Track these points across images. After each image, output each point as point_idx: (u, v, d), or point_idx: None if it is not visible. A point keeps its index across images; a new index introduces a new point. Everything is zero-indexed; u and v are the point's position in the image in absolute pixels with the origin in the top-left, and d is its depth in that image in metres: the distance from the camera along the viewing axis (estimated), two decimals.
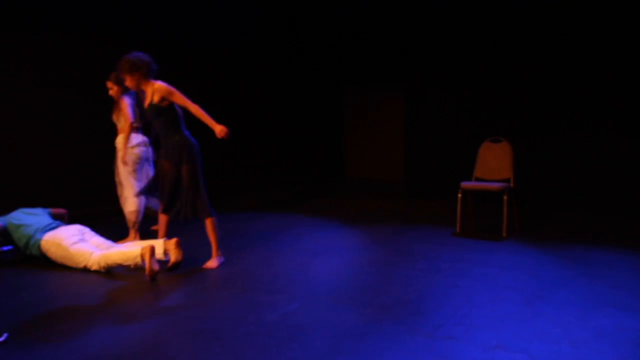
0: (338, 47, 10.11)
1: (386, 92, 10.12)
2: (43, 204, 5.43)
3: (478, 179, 5.87)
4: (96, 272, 4.38)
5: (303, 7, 9.37)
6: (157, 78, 4.47)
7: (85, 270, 4.42)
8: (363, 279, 4.13)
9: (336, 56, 10.24)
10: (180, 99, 4.34)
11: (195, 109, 4.33)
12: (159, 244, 4.40)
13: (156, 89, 4.35)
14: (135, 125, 5.38)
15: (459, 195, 5.61)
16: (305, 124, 10.04)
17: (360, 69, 10.20)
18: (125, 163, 5.29)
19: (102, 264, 4.33)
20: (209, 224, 4.51)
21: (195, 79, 7.59)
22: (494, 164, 5.85)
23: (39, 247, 4.57)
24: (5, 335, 3.04)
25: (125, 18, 7.12)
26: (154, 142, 5.47)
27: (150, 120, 4.59)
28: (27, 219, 4.75)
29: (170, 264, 4.35)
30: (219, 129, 4.28)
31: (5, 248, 4.82)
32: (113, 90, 5.37)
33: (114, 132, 5.55)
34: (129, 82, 4.43)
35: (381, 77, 9.90)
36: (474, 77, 7.47)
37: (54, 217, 5.12)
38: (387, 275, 4.18)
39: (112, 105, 5.52)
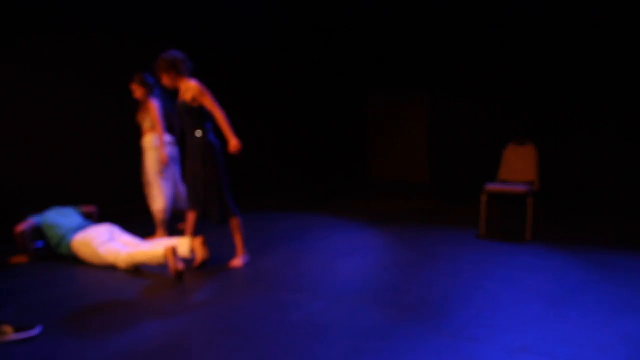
0: (364, 50, 10.12)
1: (411, 94, 10.10)
2: (74, 202, 5.58)
3: (502, 181, 5.84)
4: (124, 270, 4.49)
5: (330, 10, 9.41)
6: (192, 77, 4.55)
7: (114, 268, 4.53)
8: (387, 279, 4.15)
9: (362, 59, 10.25)
10: (209, 101, 4.41)
11: (220, 116, 4.40)
12: (184, 243, 4.48)
13: (189, 88, 4.43)
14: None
15: (483, 197, 5.59)
16: (331, 125, 10.08)
17: (386, 72, 10.19)
18: (162, 163, 5.38)
19: (129, 262, 4.43)
20: (233, 223, 4.58)
21: (223, 79, 7.69)
22: (518, 166, 5.82)
23: (69, 247, 4.72)
24: (38, 328, 3.14)
25: (153, 19, 7.24)
26: (180, 141, 5.56)
27: (179, 117, 4.67)
28: (59, 219, 4.89)
29: (196, 263, 4.43)
30: (233, 143, 4.40)
31: (38, 244, 4.97)
32: (138, 91, 5.46)
33: (140, 132, 5.65)
34: (165, 80, 4.50)
35: (406, 79, 9.88)
36: (499, 79, 7.43)
37: (84, 215, 5.27)
38: (411, 276, 4.20)
39: (138, 105, 5.61)
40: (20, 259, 4.84)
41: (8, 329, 3.03)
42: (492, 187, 5.59)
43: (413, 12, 8.64)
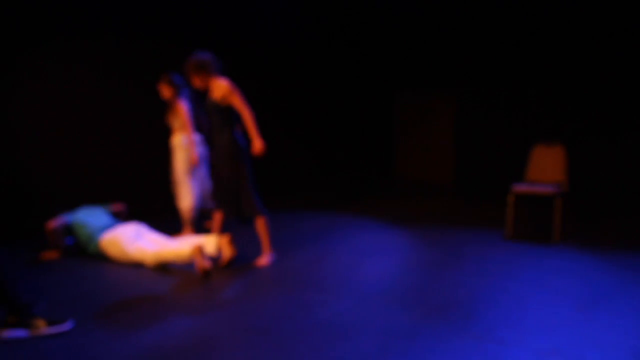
0: (390, 50, 10.08)
1: (437, 94, 10.02)
2: (104, 200, 5.67)
3: (530, 182, 5.77)
4: (151, 267, 4.55)
5: (356, 9, 9.40)
6: (222, 76, 4.59)
7: (141, 266, 4.60)
8: (413, 280, 4.14)
9: (388, 59, 10.21)
10: (238, 101, 4.45)
11: (248, 116, 4.43)
12: (211, 241, 4.53)
13: (219, 86, 4.47)
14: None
15: (510, 198, 5.53)
16: (357, 125, 10.07)
17: (412, 72, 10.14)
18: (192, 163, 5.44)
19: (156, 260, 4.49)
20: (259, 222, 4.61)
21: (249, 79, 7.74)
22: (546, 167, 5.74)
23: (97, 246, 4.82)
24: (70, 323, 3.21)
25: (181, 20, 7.31)
26: (208, 140, 5.62)
27: (208, 115, 4.72)
28: (88, 219, 5.01)
29: (223, 261, 4.47)
30: (258, 145, 4.43)
31: (68, 241, 5.08)
32: (166, 92, 5.52)
33: (169, 132, 5.72)
34: (196, 82, 4.55)
35: (433, 79, 9.82)
36: (527, 78, 7.35)
37: (113, 214, 5.36)
38: (437, 277, 4.18)
39: (167, 106, 5.68)
40: (51, 255, 4.95)
41: (41, 323, 3.10)
42: (519, 187, 5.53)
43: (440, 11, 8.59)
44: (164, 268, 4.54)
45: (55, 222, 4.93)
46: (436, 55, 9.41)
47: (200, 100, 5.57)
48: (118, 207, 5.51)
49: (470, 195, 8.01)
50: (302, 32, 8.95)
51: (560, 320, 3.23)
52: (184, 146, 5.51)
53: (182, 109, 5.44)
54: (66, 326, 3.17)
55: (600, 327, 3.11)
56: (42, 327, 3.09)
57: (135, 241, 4.71)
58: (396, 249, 5.17)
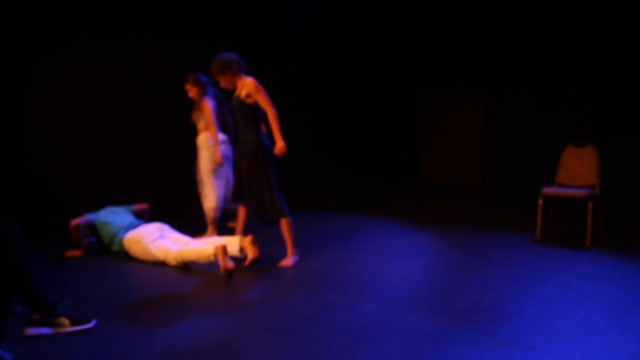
0: (416, 49, 9.99)
1: (464, 94, 9.90)
2: (129, 200, 5.71)
3: (560, 185, 5.62)
4: (174, 266, 4.55)
5: (380, 8, 9.32)
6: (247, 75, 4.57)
7: (164, 264, 4.60)
8: (439, 284, 4.06)
9: (414, 58, 10.12)
10: (263, 99, 4.43)
11: (272, 116, 4.41)
12: (234, 241, 4.51)
13: (245, 84, 4.46)
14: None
15: (540, 201, 5.40)
16: (381, 126, 9.99)
17: (438, 71, 10.03)
18: (216, 162, 5.44)
19: (179, 260, 4.49)
20: (284, 223, 4.57)
21: (273, 79, 7.75)
22: (578, 169, 5.59)
23: (121, 244, 4.85)
24: (94, 322, 3.21)
25: (205, 19, 7.34)
26: (234, 139, 5.62)
27: (233, 114, 4.70)
28: (112, 217, 5.04)
29: (247, 262, 4.45)
30: (280, 145, 4.40)
31: (91, 239, 5.12)
32: (192, 92, 5.52)
33: (194, 131, 5.73)
34: (223, 83, 4.55)
35: (459, 79, 9.69)
36: (557, 77, 7.17)
37: (137, 213, 5.40)
38: (464, 281, 4.09)
39: (192, 104, 5.69)
40: (74, 253, 5.00)
41: (65, 321, 3.11)
42: (549, 190, 5.40)
43: (466, 8, 8.47)
44: (187, 267, 4.54)
45: (78, 220, 4.97)
46: (463, 54, 9.29)
47: (226, 100, 5.58)
48: (142, 207, 5.53)
49: (498, 198, 7.86)
50: (326, 32, 8.90)
51: (593, 327, 3.12)
52: (209, 145, 5.51)
53: (207, 108, 5.44)
54: (89, 325, 3.18)
55: (634, 336, 2.99)
56: (66, 325, 3.10)
57: (158, 240, 4.72)
58: (422, 251, 5.09)
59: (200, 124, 5.60)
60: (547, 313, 3.35)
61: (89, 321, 3.20)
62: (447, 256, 4.89)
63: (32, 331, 3.05)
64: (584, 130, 6.68)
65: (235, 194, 5.81)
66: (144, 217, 5.48)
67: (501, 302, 3.57)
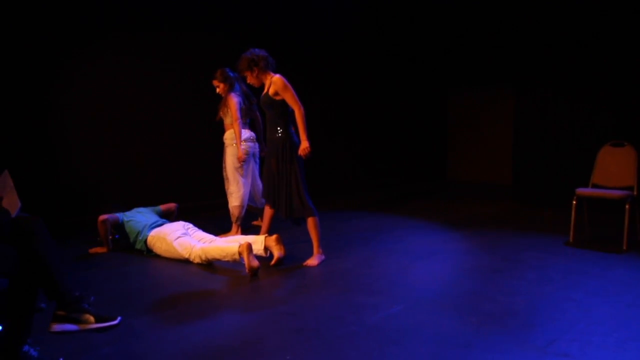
0: (444, 45, 9.84)
1: (494, 92, 9.72)
2: (152, 196, 5.73)
3: (596, 186, 5.45)
4: (198, 264, 4.53)
5: (409, 4, 9.21)
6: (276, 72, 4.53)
7: (188, 262, 4.59)
8: (467, 285, 3.96)
9: (443, 54, 9.97)
10: (291, 97, 4.38)
11: (299, 114, 4.37)
12: (259, 240, 4.48)
13: (273, 82, 4.42)
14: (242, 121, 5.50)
15: (574, 202, 5.24)
16: (409, 124, 9.88)
17: (468, 68, 9.86)
18: (239, 159, 5.42)
19: (203, 257, 4.47)
20: (310, 222, 4.52)
21: (298, 76, 7.72)
22: (614, 170, 5.40)
23: (145, 242, 4.87)
24: (119, 319, 3.20)
25: (233, 13, 7.33)
26: (261, 137, 5.59)
27: (262, 111, 4.67)
28: (138, 216, 5.10)
29: (274, 261, 4.41)
30: (304, 145, 4.36)
31: (116, 236, 5.16)
32: (220, 88, 5.51)
33: (221, 128, 5.71)
34: (250, 79, 4.53)
35: (490, 76, 9.51)
36: (594, 73, 6.95)
37: (164, 213, 5.43)
38: (494, 283, 3.98)
39: (218, 101, 5.67)
40: (99, 250, 5.03)
41: (91, 318, 3.09)
42: (584, 191, 5.23)
43: (497, 3, 8.31)
44: (211, 265, 4.52)
45: (107, 216, 5.00)
46: (493, 50, 9.11)
47: (254, 97, 5.55)
48: (169, 206, 5.55)
49: (529, 199, 7.66)
50: (353, 29, 8.82)
51: (630, 334, 2.98)
52: (234, 142, 5.48)
53: (233, 104, 5.41)
54: (115, 322, 3.16)
55: None
56: (91, 322, 3.08)
57: (182, 237, 4.72)
58: (449, 252, 4.99)
59: (227, 120, 5.58)
60: (581, 318, 3.22)
61: (114, 318, 3.18)
62: (476, 257, 4.78)
63: (57, 327, 3.04)
64: (621, 130, 6.46)
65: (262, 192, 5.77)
66: (171, 217, 5.49)
67: (533, 306, 3.46)
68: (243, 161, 5.45)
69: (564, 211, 5.74)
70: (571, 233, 5.28)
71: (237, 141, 5.42)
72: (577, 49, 7.08)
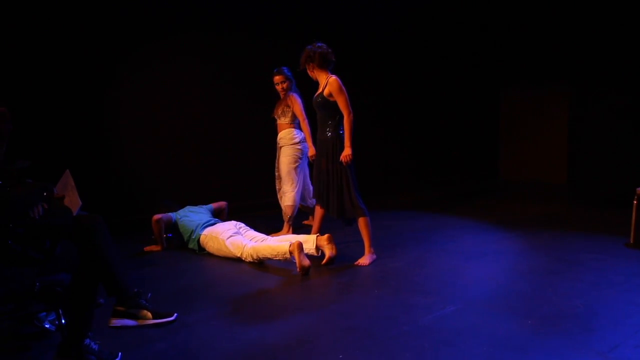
0: (497, 41, 9.63)
1: (549, 88, 9.45)
2: (205, 196, 5.83)
3: None
4: (250, 263, 4.59)
5: (461, 3, 9.06)
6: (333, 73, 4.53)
7: (240, 261, 4.65)
8: (522, 287, 3.86)
9: (495, 51, 9.76)
10: (343, 102, 4.38)
11: (347, 120, 4.37)
12: (311, 240, 4.49)
13: (329, 82, 4.43)
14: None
15: (634, 201, 5.04)
16: (460, 123, 9.72)
17: (521, 66, 9.62)
18: (310, 157, 5.42)
19: (254, 256, 4.52)
20: (361, 222, 4.50)
21: (351, 76, 7.71)
22: None
23: (198, 241, 4.96)
24: (175, 315, 3.28)
25: (286, 13, 7.35)
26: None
27: (314, 110, 4.67)
28: (191, 215, 5.21)
29: (325, 260, 4.42)
30: (346, 153, 4.35)
31: (169, 235, 5.28)
32: (284, 85, 5.46)
33: (273, 127, 5.74)
34: (309, 72, 4.56)
35: (544, 73, 9.26)
36: None
37: (215, 211, 5.52)
38: (550, 285, 3.86)
39: (273, 100, 5.68)
40: (153, 248, 5.16)
41: (148, 314, 3.19)
42: None
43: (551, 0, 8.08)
44: (262, 264, 4.56)
45: (161, 215, 5.12)
46: (548, 46, 8.84)
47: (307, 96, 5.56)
48: (220, 205, 5.64)
49: (585, 198, 7.40)
50: (404, 27, 8.73)
51: None
52: (293, 142, 5.49)
53: (297, 103, 5.41)
54: (171, 318, 3.24)
55: None
56: (149, 318, 3.18)
57: (233, 235, 4.79)
58: (503, 253, 4.88)
59: (283, 120, 5.57)
60: None
61: (170, 315, 3.27)
62: (530, 258, 4.66)
63: (116, 322, 3.15)
64: None
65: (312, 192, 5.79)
66: (221, 216, 5.59)
67: (593, 310, 3.34)
68: (299, 160, 5.45)
69: (623, 212, 5.53)
70: (632, 234, 5.06)
71: (308, 139, 5.42)
72: (638, 44, 6.80)
